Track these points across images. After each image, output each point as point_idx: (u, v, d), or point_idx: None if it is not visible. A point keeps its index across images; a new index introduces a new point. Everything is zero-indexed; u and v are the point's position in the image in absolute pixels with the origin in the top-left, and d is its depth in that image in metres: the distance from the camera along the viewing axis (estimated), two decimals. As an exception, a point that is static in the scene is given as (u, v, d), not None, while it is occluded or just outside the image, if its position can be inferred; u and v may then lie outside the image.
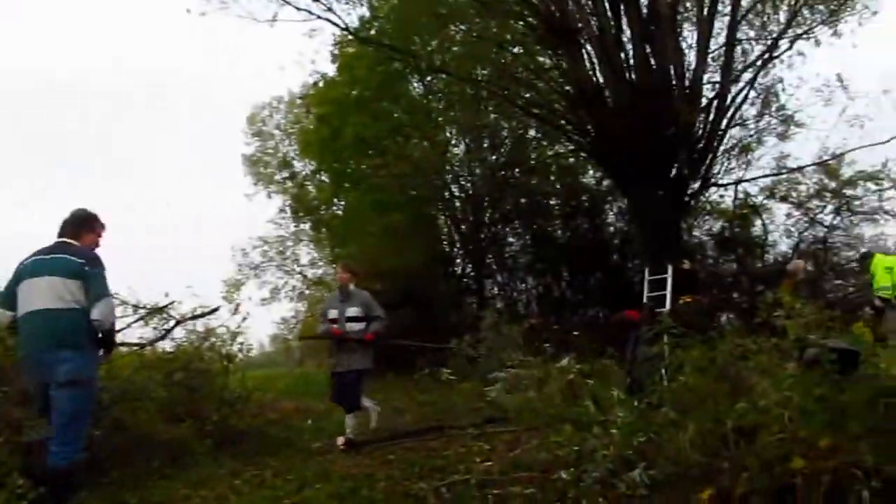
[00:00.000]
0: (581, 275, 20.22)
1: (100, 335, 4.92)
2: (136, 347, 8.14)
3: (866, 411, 3.36)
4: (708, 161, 12.75)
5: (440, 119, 20.66)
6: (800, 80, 14.14)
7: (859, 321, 9.49)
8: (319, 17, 12.79)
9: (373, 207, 19.77)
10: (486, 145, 20.39)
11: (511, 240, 21.42)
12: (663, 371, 5.28)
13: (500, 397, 8.15)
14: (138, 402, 6.60)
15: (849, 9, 13.20)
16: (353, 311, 7.46)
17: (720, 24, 12.69)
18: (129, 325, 8.35)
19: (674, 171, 12.05)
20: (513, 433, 6.46)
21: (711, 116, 12.39)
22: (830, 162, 15.68)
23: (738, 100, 13.08)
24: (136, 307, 8.39)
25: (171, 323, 8.55)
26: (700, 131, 12.37)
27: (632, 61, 12.11)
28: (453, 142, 21.36)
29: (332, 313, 7.54)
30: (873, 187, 15.87)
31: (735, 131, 14.57)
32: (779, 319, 8.31)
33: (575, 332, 11.31)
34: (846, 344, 3.80)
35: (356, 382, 7.44)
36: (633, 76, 11.99)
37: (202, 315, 8.58)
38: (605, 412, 5.45)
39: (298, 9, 12.50)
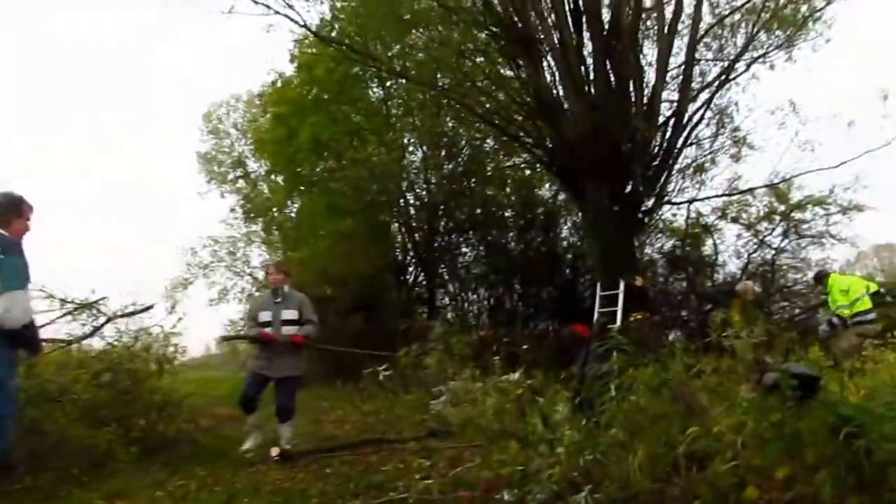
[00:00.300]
0: (533, 288, 20.15)
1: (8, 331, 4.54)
2: (61, 344, 7.65)
3: (825, 440, 3.20)
4: (663, 179, 12.75)
5: (398, 125, 20.41)
6: (754, 103, 14.28)
7: (813, 343, 9.55)
8: (278, 12, 12.41)
9: (327, 211, 19.46)
10: (443, 153, 20.13)
11: (465, 250, 21.25)
12: (613, 390, 5.10)
13: (445, 410, 7.93)
14: (58, 403, 6.14)
15: (803, 35, 13.36)
16: (288, 313, 7.02)
17: (680, 44, 12.74)
18: (53, 321, 7.89)
19: (629, 188, 12.00)
20: (456, 449, 6.22)
21: (668, 134, 12.40)
22: (780, 185, 15.85)
23: (695, 119, 13.16)
24: (63, 301, 7.92)
25: (102, 320, 8.07)
26: (657, 149, 12.37)
27: (592, 75, 12.07)
28: (410, 148, 21.08)
29: (265, 316, 7.00)
30: (821, 212, 16.08)
31: (690, 151, 14.62)
32: (728, 339, 8.32)
33: (524, 346, 11.15)
34: (806, 368, 3.64)
35: (293, 389, 7.06)
36: (593, 90, 11.93)
37: (134, 313, 8.10)
38: (553, 430, 5.26)
39: (256, 2, 12.09)
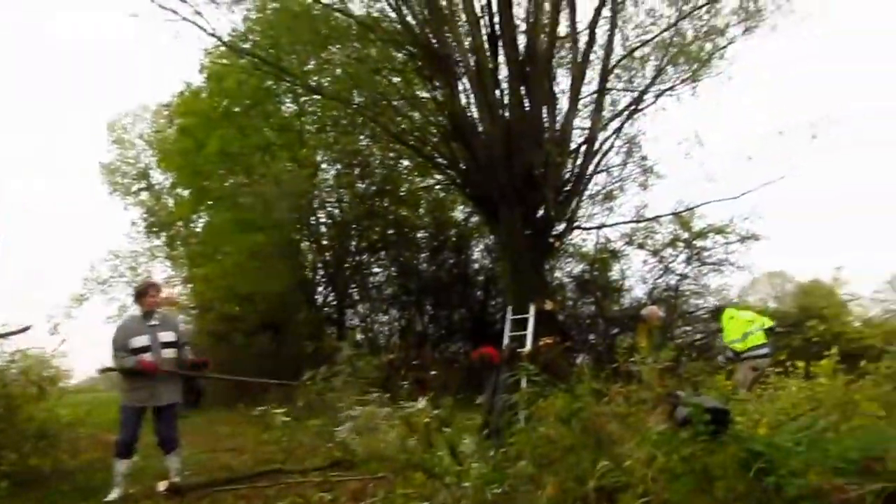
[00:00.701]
0: (444, 310, 20.09)
1: None
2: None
3: (736, 475, 3.13)
4: (574, 204, 12.86)
5: (311, 141, 19.99)
6: (663, 133, 14.72)
7: (716, 371, 9.74)
8: (186, 18, 11.91)
9: (234, 227, 18.82)
10: (356, 172, 19.85)
11: (376, 270, 21.04)
12: (522, 420, 4.96)
13: (350, 439, 7.61)
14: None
15: (707, 71, 13.79)
16: (167, 335, 6.41)
17: (592, 73, 12.95)
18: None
19: (541, 212, 12.04)
20: (360, 481, 5.92)
21: (579, 161, 12.54)
22: (684, 214, 16.32)
23: (605, 147, 13.32)
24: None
25: (-29, 342, 7.30)
26: (568, 174, 12.49)
27: (506, 99, 12.09)
28: (323, 166, 20.70)
29: (141, 341, 6.24)
30: (721, 240, 16.66)
31: (600, 178, 14.88)
32: (635, 365, 8.36)
33: (434, 371, 10.95)
34: (717, 402, 3.58)
35: (175, 416, 6.52)
36: (507, 114, 11.95)
37: (8, 334, 7.37)
38: (461, 462, 5.06)
39: (163, 7, 11.57)
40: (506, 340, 11.32)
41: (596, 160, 13.00)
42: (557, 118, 12.26)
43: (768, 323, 10.05)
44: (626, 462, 3.57)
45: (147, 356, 6.18)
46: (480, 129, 12.00)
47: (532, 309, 11.19)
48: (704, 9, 13.05)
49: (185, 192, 23.00)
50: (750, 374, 9.40)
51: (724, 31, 13.26)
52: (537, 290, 11.61)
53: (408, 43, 12.50)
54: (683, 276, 17.13)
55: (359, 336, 19.14)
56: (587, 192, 13.97)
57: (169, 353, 6.38)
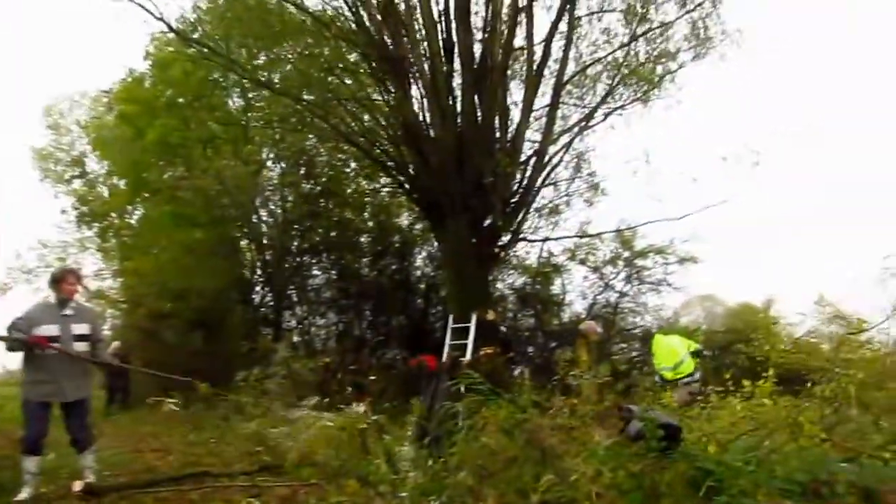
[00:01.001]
0: (384, 316, 19.84)
1: None
2: None
3: (684, 493, 3.04)
4: (521, 216, 12.81)
5: (257, 138, 19.54)
6: (612, 151, 14.82)
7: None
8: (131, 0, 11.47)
9: (171, 221, 18.28)
10: (302, 172, 19.49)
11: (316, 272, 20.65)
12: (464, 429, 4.81)
13: (282, 443, 7.33)
14: None
15: (657, 94, 13.94)
16: (80, 328, 5.89)
17: (546, 87, 12.96)
18: None
19: (488, 221, 11.97)
20: (290, 487, 5.66)
21: (529, 172, 12.50)
22: (626, 232, 16.52)
23: (554, 161, 13.33)
24: None
25: None
26: (517, 185, 12.44)
27: (459, 107, 11.99)
28: (268, 163, 20.27)
29: (50, 330, 5.72)
30: (661, 260, 16.91)
31: (547, 191, 14.85)
32: (575, 379, 8.32)
33: (371, 376, 10.73)
34: (670, 418, 3.50)
35: (87, 412, 6.04)
36: (460, 121, 11.85)
37: None
38: (397, 470, 4.90)
39: (102, -17, 11.10)
40: (446, 349, 11.19)
41: (545, 173, 12.98)
42: (509, 129, 12.24)
43: (694, 346, 10.22)
44: (571, 476, 3.45)
45: (57, 345, 5.70)
46: (432, 134, 11.87)
47: (474, 318, 11.10)
48: (657, 31, 13.19)
49: (121, 183, 22.29)
50: (687, 397, 9.54)
51: (676, 56, 13.46)
52: (480, 300, 11.52)
53: (362, 43, 12.29)
54: (622, 294, 17.33)
55: (295, 338, 18.76)
56: (534, 205, 13.87)
57: (81, 346, 5.88)
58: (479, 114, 11.91)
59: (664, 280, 17.01)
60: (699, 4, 12.85)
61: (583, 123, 13.56)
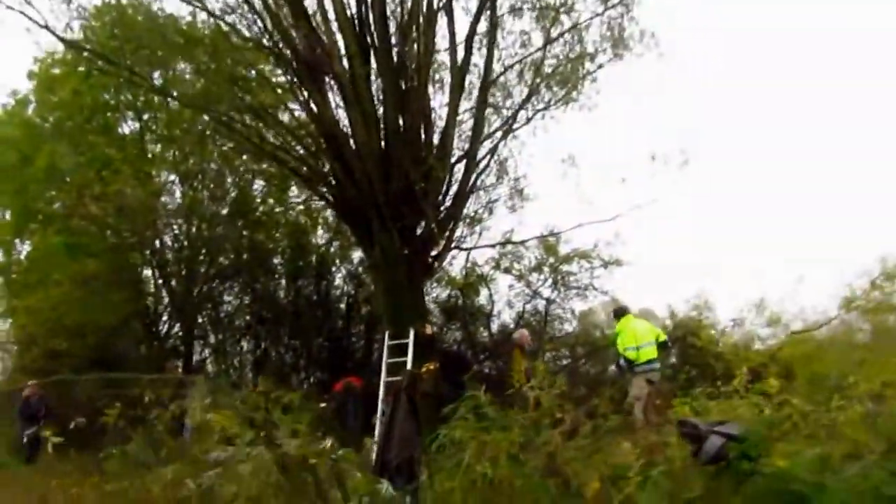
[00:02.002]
0: (302, 338, 18.89)
1: None
2: None
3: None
4: (452, 224, 12.19)
5: (154, 159, 18.27)
6: (536, 154, 14.46)
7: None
8: (11, 7, 10.29)
9: (64, 252, 16.80)
10: (206, 194, 18.35)
11: (228, 298, 19.52)
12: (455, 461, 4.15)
13: (217, 488, 6.40)
14: None
15: (579, 95, 13.66)
16: None
17: (472, 89, 12.51)
18: None
19: (419, 231, 11.35)
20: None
21: (459, 177, 11.95)
22: (550, 238, 16.22)
23: (481, 166, 12.82)
24: None
25: None
26: (447, 190, 11.87)
27: (381, 111, 11.34)
28: (168, 186, 18.97)
29: None
30: (586, 265, 16.70)
31: (472, 200, 14.33)
32: (533, 391, 7.77)
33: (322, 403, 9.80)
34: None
35: None
36: (383, 126, 11.20)
37: None
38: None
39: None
40: (384, 368, 10.48)
41: (473, 177, 12.43)
42: (435, 133, 11.67)
43: (662, 337, 10.01)
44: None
45: None
46: (354, 141, 11.13)
47: (412, 334, 10.44)
48: (573, 33, 12.96)
49: (6, 214, 20.41)
50: (645, 388, 9.24)
51: (594, 57, 13.23)
52: (415, 314, 10.88)
53: (275, 47, 11.47)
54: (550, 301, 17.02)
55: (210, 368, 17.58)
56: (463, 212, 13.29)
57: None
58: (402, 119, 11.26)
59: (590, 284, 16.83)
60: (612, 6, 12.69)
61: (506, 127, 13.11)
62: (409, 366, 10.03)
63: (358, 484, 4.81)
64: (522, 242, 16.26)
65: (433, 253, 11.84)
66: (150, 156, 18.34)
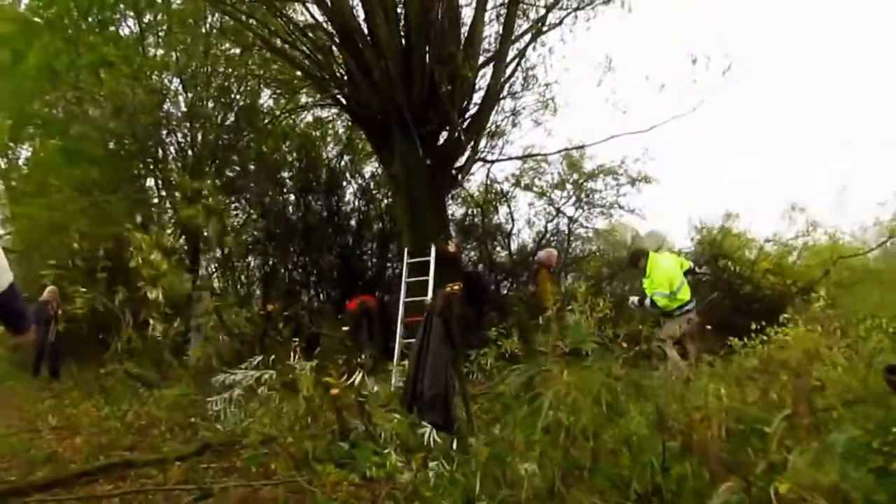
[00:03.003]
0: (313, 255, 18.20)
1: None
2: None
3: None
4: (478, 133, 11.12)
5: (156, 62, 17.12)
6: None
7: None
8: None
9: (63, 158, 15.90)
10: (212, 101, 17.29)
11: (235, 212, 18.72)
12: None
13: (226, 414, 5.70)
14: None
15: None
16: None
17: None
18: None
19: (443, 139, 10.38)
20: (247, 485, 4.12)
21: (484, 83, 10.85)
22: (575, 152, 15.22)
23: (508, 71, 11.63)
24: None
25: None
26: (473, 95, 10.78)
27: (403, 5, 10.19)
28: (171, 92, 17.88)
29: None
30: (612, 182, 15.78)
31: (495, 110, 13.15)
32: (572, 314, 6.98)
33: (319, 329, 9.09)
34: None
35: None
36: (404, 23, 10.06)
37: None
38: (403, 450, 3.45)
39: None
40: (403, 287, 9.70)
41: (500, 83, 11.29)
42: (462, 29, 10.51)
43: (686, 265, 8.94)
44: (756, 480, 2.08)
45: None
46: (372, 37, 10.01)
47: (433, 251, 9.61)
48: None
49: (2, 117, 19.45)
50: (681, 329, 8.31)
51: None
52: (437, 230, 10.04)
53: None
54: (573, 220, 16.14)
55: (216, 284, 16.91)
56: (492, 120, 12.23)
57: None
58: (425, 12, 10.05)
59: (615, 203, 15.92)
60: None
61: (535, 30, 11.85)
62: (430, 285, 9.28)
63: (394, 426, 4.06)
64: (546, 156, 15.27)
65: (457, 164, 10.87)
66: (151, 58, 17.18)
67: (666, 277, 8.44)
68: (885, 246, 11.99)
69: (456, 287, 8.85)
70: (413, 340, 8.25)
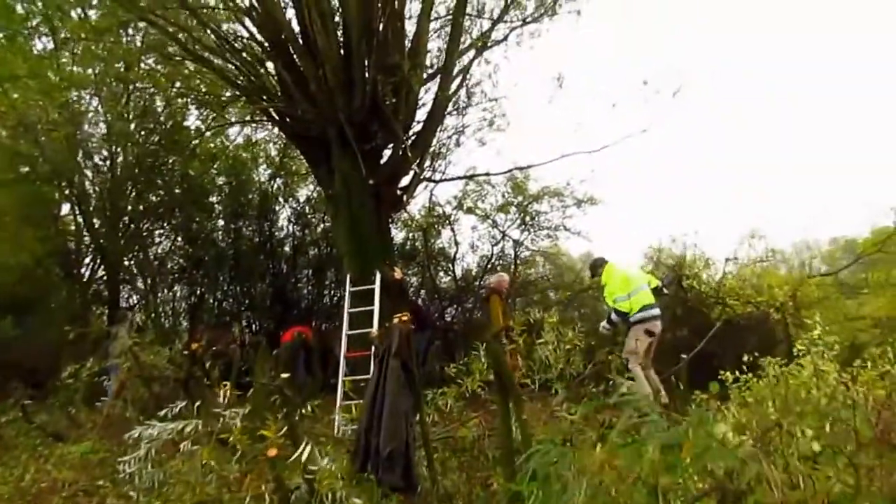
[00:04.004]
0: (243, 284, 17.15)
1: None
2: None
3: None
4: (423, 150, 10.34)
5: (72, 79, 15.87)
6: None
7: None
8: None
9: (-34, 183, 14.52)
10: (132, 120, 16.14)
11: (159, 239, 17.55)
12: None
13: (142, 475, 4.75)
14: None
15: (554, 11, 11.95)
16: None
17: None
18: None
19: (387, 156, 9.61)
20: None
21: (432, 97, 10.12)
22: (519, 173, 14.65)
23: (454, 86, 10.96)
24: None
25: None
26: (416, 111, 10.04)
27: (341, 12, 9.43)
28: (91, 113, 16.62)
29: None
30: (557, 203, 15.34)
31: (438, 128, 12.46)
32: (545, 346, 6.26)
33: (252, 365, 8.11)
34: None
35: None
36: (344, 25, 9.28)
37: None
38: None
39: None
40: (346, 318, 8.84)
41: (448, 96, 10.55)
42: (406, 38, 9.77)
43: (654, 282, 8.45)
44: None
45: None
46: (307, 45, 9.19)
47: (378, 278, 8.80)
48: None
49: None
50: (644, 340, 7.78)
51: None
52: (383, 254, 9.23)
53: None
54: (518, 243, 15.57)
55: (138, 317, 15.69)
56: (437, 137, 11.50)
57: None
58: (367, 18, 9.27)
59: (561, 225, 15.45)
60: None
61: (481, 43, 11.22)
62: (376, 316, 8.47)
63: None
64: (493, 175, 14.57)
65: (402, 184, 10.09)
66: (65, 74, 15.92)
67: (622, 282, 8.04)
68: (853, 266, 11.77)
69: (405, 318, 8.08)
70: (359, 378, 7.48)
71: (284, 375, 4.19)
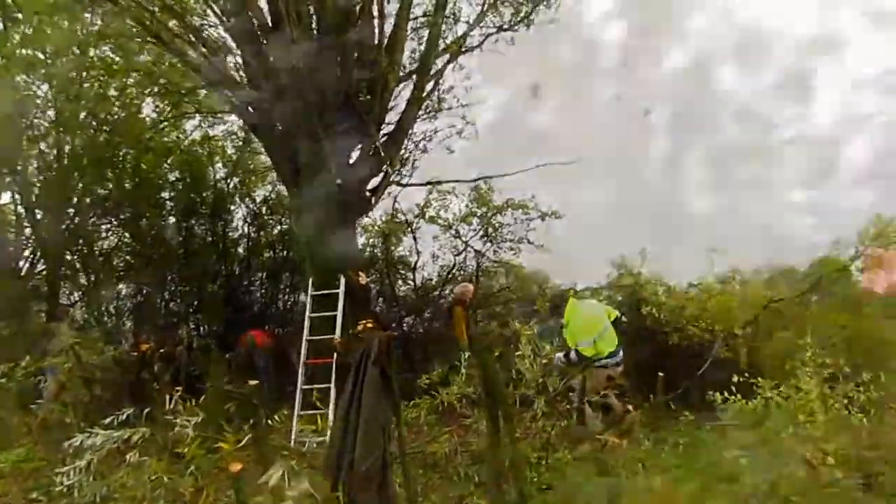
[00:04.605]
0: (194, 284, 16.51)
1: None
2: None
3: None
4: (394, 152, 9.95)
5: (20, 60, 15.05)
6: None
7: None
8: None
9: None
10: (85, 110, 15.42)
11: (105, 234, 16.81)
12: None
13: (82, 488, 4.27)
14: None
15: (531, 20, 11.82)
16: None
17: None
18: None
19: (354, 155, 9.20)
20: None
21: (405, 100, 9.76)
22: (483, 183, 14.40)
23: (428, 88, 10.64)
24: None
25: None
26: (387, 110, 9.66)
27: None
28: (38, 101, 15.78)
29: None
30: (522, 216, 15.11)
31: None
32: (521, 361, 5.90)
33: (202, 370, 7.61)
34: None
35: None
36: (317, 12, 8.88)
37: None
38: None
39: None
40: (307, 325, 8.39)
41: (424, 95, 10.23)
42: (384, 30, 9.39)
43: (613, 314, 8.11)
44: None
45: None
46: (279, 33, 8.74)
47: (342, 283, 8.38)
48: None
49: None
50: (604, 382, 7.43)
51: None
52: (348, 260, 8.81)
53: None
54: (481, 254, 15.26)
55: (79, 315, 14.92)
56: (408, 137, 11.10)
57: None
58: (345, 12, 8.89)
59: (525, 238, 15.18)
60: None
61: (455, 48, 10.97)
62: (339, 321, 8.04)
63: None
64: (461, 182, 14.31)
65: (370, 185, 9.68)
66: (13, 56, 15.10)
67: (586, 322, 7.64)
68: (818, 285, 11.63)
69: (370, 325, 7.69)
70: (319, 386, 7.07)
71: (253, 382, 3.75)
